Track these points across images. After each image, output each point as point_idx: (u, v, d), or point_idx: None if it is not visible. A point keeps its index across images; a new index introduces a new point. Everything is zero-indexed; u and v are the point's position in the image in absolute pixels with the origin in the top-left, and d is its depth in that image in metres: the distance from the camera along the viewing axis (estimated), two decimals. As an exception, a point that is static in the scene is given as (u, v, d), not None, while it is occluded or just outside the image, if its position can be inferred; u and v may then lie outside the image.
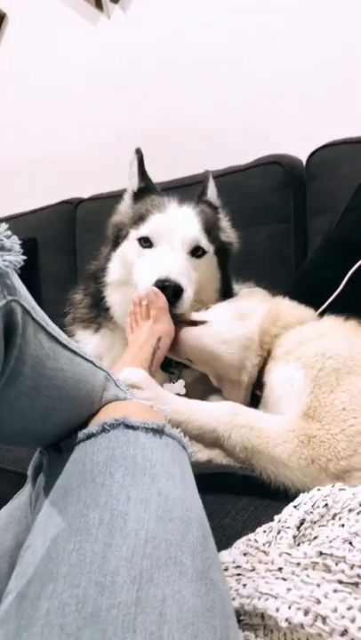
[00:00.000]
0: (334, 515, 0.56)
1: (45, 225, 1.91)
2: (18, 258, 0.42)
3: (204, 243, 1.11)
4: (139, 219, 1.13)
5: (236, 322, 0.95)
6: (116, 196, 1.31)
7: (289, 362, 0.81)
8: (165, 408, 0.72)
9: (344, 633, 0.41)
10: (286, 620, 0.42)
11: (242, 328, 0.94)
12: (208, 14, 1.71)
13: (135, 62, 1.88)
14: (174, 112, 1.81)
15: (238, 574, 0.49)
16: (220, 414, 0.74)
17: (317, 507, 0.57)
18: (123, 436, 0.50)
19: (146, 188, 1.22)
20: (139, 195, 1.21)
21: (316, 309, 1.04)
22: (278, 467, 0.70)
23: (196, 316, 1.01)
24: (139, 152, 1.23)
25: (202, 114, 1.76)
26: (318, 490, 0.60)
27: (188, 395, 1.01)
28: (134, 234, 1.12)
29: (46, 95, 2.10)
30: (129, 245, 1.13)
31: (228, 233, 1.23)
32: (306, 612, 0.42)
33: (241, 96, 1.69)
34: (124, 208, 1.23)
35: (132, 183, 1.23)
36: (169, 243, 1.07)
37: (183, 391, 1.06)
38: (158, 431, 0.52)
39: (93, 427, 0.52)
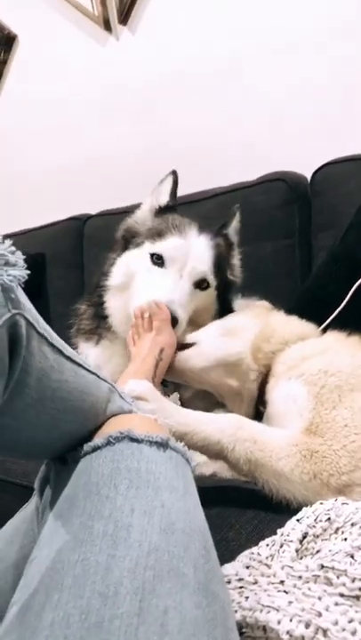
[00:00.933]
0: (337, 529, 0.57)
1: (54, 240, 1.93)
2: (22, 272, 0.43)
3: (210, 277, 1.13)
4: (157, 233, 1.15)
5: (223, 339, 0.96)
6: (124, 213, 1.33)
7: (291, 378, 0.82)
8: (170, 420, 0.73)
9: (345, 646, 0.41)
10: (288, 632, 0.42)
11: (228, 345, 0.95)
12: (214, 35, 1.75)
13: (143, 82, 1.92)
14: (181, 130, 1.84)
15: (241, 587, 0.49)
16: (224, 427, 0.75)
17: (320, 520, 0.57)
18: (127, 449, 0.50)
19: (171, 207, 1.24)
20: (162, 211, 1.23)
21: (321, 324, 1.04)
22: (281, 480, 0.70)
23: (187, 338, 1.02)
24: (175, 174, 1.26)
25: (208, 132, 1.79)
26: (321, 504, 0.60)
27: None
28: (148, 247, 1.13)
29: (56, 114, 2.14)
30: (139, 255, 1.14)
31: (235, 272, 1.24)
32: (307, 625, 0.42)
33: (246, 114, 1.72)
34: (143, 217, 1.24)
35: (159, 199, 1.25)
36: (179, 269, 1.09)
37: (178, 403, 1.07)
38: (162, 444, 0.52)
39: (98, 439, 0.52)
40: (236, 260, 1.25)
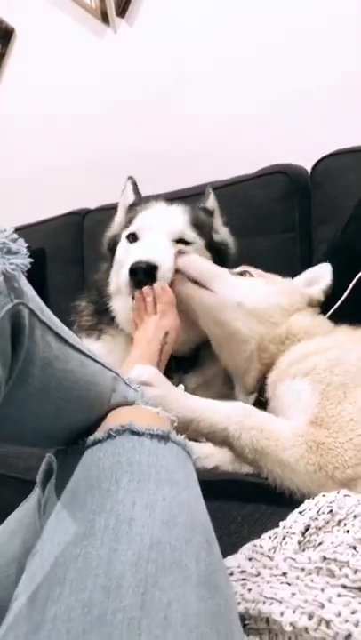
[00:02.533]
0: (339, 521, 0.57)
1: (53, 235, 1.93)
2: (25, 260, 0.43)
3: (190, 234, 1.12)
4: (129, 221, 1.17)
5: (253, 319, 0.94)
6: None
7: (296, 376, 0.81)
8: (177, 405, 0.72)
9: (348, 637, 0.41)
10: (291, 624, 0.42)
11: (249, 326, 0.94)
12: (213, 27, 1.74)
13: (141, 75, 1.91)
14: (180, 124, 1.83)
15: (243, 579, 0.49)
16: (231, 414, 0.75)
17: (322, 513, 0.57)
18: (128, 442, 0.51)
19: (139, 202, 1.25)
20: (132, 206, 1.25)
21: (321, 318, 1.04)
22: (285, 470, 0.70)
23: (235, 287, 0.99)
24: (131, 179, 1.28)
25: (207, 125, 1.78)
26: (323, 496, 0.60)
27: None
28: (124, 234, 1.15)
29: (54, 108, 2.13)
30: (121, 246, 1.16)
31: (223, 235, 1.24)
32: (310, 617, 0.42)
33: (245, 107, 1.71)
34: (118, 220, 1.27)
35: (127, 200, 1.28)
36: (152, 235, 1.10)
37: None
38: (163, 437, 0.52)
39: (100, 433, 0.52)
40: (220, 226, 1.25)
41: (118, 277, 1.14)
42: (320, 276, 1.06)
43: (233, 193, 1.53)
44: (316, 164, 1.45)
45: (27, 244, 0.45)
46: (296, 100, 1.62)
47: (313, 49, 1.58)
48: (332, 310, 1.05)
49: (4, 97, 2.27)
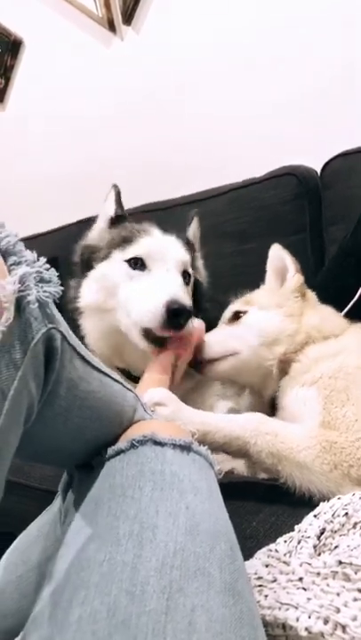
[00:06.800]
0: (355, 524, 0.57)
1: (66, 244, 1.94)
2: (57, 288, 0.46)
3: (190, 270, 1.09)
4: (123, 241, 1.09)
5: (281, 347, 0.93)
6: (132, 214, 1.34)
7: (305, 384, 0.82)
8: (190, 421, 0.74)
9: (364, 640, 0.42)
10: (306, 629, 0.43)
11: (281, 354, 0.93)
12: (219, 32, 1.74)
13: (149, 81, 1.91)
14: (189, 128, 1.84)
15: (260, 585, 0.50)
16: (245, 423, 0.76)
17: (338, 516, 0.58)
18: (151, 452, 0.52)
19: (122, 217, 1.21)
20: (115, 221, 1.20)
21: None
22: (303, 472, 0.71)
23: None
24: (116, 187, 1.24)
25: (215, 129, 1.79)
26: (338, 499, 0.61)
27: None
28: (120, 256, 1.07)
29: (64, 117, 2.14)
30: (113, 267, 1.08)
31: (201, 273, 1.21)
32: (326, 621, 0.43)
33: (253, 109, 1.71)
34: (99, 232, 1.21)
35: (108, 210, 1.23)
36: (163, 265, 1.04)
37: None
38: (186, 448, 0.53)
39: (122, 443, 0.53)
40: (199, 262, 1.22)
41: (99, 294, 1.08)
42: (280, 264, 1.07)
43: (243, 196, 1.54)
44: (326, 164, 1.45)
45: (39, 255, 0.47)
46: (304, 101, 1.62)
47: (319, 49, 1.58)
48: (344, 312, 1.06)
49: (14, 107, 2.29)
